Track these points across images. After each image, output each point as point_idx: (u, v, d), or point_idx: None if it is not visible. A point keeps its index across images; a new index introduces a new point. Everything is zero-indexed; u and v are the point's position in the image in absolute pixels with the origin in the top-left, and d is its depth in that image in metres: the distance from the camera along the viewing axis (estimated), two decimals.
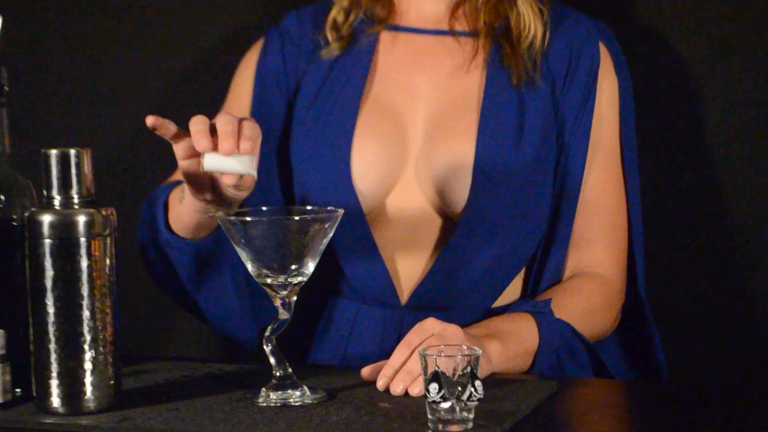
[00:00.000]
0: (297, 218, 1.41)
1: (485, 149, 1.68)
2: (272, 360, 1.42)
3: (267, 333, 1.42)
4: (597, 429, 1.35)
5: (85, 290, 1.35)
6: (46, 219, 1.35)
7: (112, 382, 1.38)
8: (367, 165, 1.71)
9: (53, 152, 1.37)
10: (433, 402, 1.27)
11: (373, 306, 1.74)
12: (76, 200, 1.37)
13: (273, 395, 1.40)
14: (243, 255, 1.40)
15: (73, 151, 1.37)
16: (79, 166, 1.37)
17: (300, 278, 1.40)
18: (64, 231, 1.35)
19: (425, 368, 1.27)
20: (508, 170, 1.68)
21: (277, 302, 1.41)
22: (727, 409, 1.39)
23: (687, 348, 1.98)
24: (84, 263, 1.36)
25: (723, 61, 1.96)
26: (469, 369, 1.26)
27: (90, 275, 1.36)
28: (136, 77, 2.26)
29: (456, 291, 1.71)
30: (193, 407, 1.39)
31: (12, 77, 1.49)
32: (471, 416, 1.28)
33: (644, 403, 1.44)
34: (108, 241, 1.37)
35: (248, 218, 1.40)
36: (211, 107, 2.08)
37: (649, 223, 1.86)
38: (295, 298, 1.42)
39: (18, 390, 1.44)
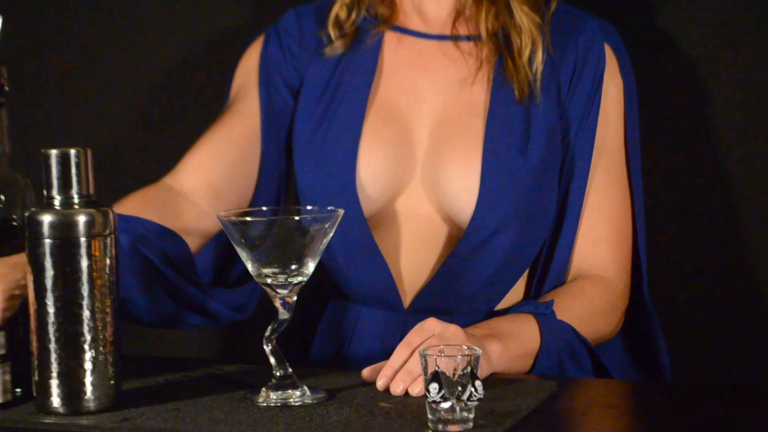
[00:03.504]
0: (297, 218, 1.41)
1: (492, 157, 1.68)
2: (272, 360, 1.42)
3: (267, 333, 1.41)
4: (597, 429, 1.35)
5: (85, 290, 1.35)
6: (46, 219, 1.35)
7: (112, 382, 1.38)
8: (373, 172, 1.70)
9: (53, 152, 1.37)
10: (433, 402, 1.27)
11: (375, 309, 1.74)
12: (76, 200, 1.36)
13: (273, 395, 1.40)
14: (243, 255, 1.40)
15: (73, 151, 1.37)
16: (79, 166, 1.37)
17: (300, 278, 1.40)
18: (64, 231, 1.35)
19: (425, 368, 1.27)
20: (515, 177, 1.68)
21: (277, 302, 1.41)
22: (728, 410, 1.39)
23: (688, 348, 1.98)
24: (84, 263, 1.35)
25: (729, 60, 1.95)
26: (469, 369, 1.26)
27: (90, 275, 1.36)
28: (136, 77, 2.26)
29: (459, 295, 1.71)
30: (193, 407, 1.38)
31: (12, 77, 1.49)
32: (471, 416, 1.28)
33: (644, 403, 1.44)
34: (108, 241, 1.37)
35: (248, 218, 1.40)
36: (210, 105, 2.09)
37: (653, 224, 1.86)
38: (295, 298, 1.42)
39: (18, 390, 1.44)
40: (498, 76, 1.72)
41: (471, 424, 1.28)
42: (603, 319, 1.69)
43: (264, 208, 1.49)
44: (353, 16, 1.78)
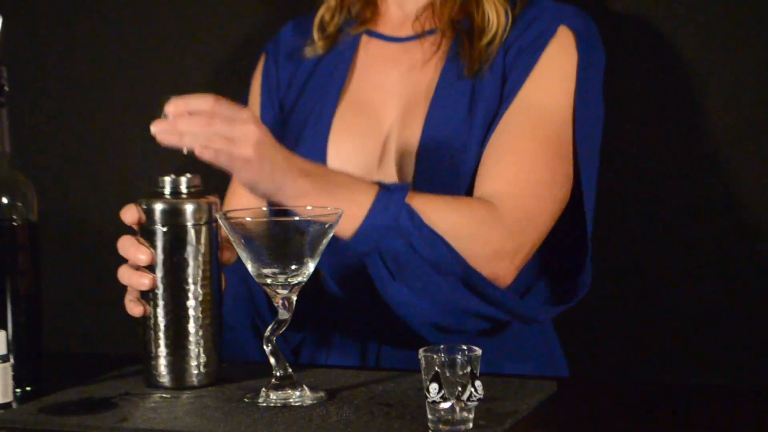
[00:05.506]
0: (297, 218, 1.41)
1: (430, 135, 1.70)
2: (272, 360, 1.42)
3: (267, 333, 1.42)
4: (597, 429, 1.35)
5: (191, 275, 1.45)
6: (158, 207, 1.44)
7: (214, 359, 1.46)
8: (341, 162, 1.74)
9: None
10: (433, 402, 1.27)
11: (352, 303, 1.74)
12: (184, 190, 1.45)
13: (273, 395, 1.40)
14: (243, 255, 1.40)
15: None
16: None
17: (300, 278, 1.40)
18: (174, 218, 1.44)
19: (425, 368, 1.28)
20: (454, 154, 1.68)
21: (278, 302, 1.41)
22: (727, 410, 1.39)
23: (687, 348, 1.98)
24: (191, 249, 1.44)
25: (724, 57, 1.96)
26: (469, 369, 1.27)
27: (196, 260, 1.45)
28: (136, 77, 2.27)
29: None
30: (193, 407, 1.39)
31: (12, 77, 1.49)
32: (471, 416, 1.28)
33: (644, 403, 1.44)
34: (212, 227, 1.46)
35: (248, 218, 1.41)
36: None
37: (652, 225, 1.86)
38: (295, 298, 1.42)
39: (18, 390, 1.44)
40: (451, 55, 1.75)
41: (471, 425, 1.28)
42: (469, 213, 1.61)
43: (264, 208, 1.49)
44: (336, 18, 1.84)
